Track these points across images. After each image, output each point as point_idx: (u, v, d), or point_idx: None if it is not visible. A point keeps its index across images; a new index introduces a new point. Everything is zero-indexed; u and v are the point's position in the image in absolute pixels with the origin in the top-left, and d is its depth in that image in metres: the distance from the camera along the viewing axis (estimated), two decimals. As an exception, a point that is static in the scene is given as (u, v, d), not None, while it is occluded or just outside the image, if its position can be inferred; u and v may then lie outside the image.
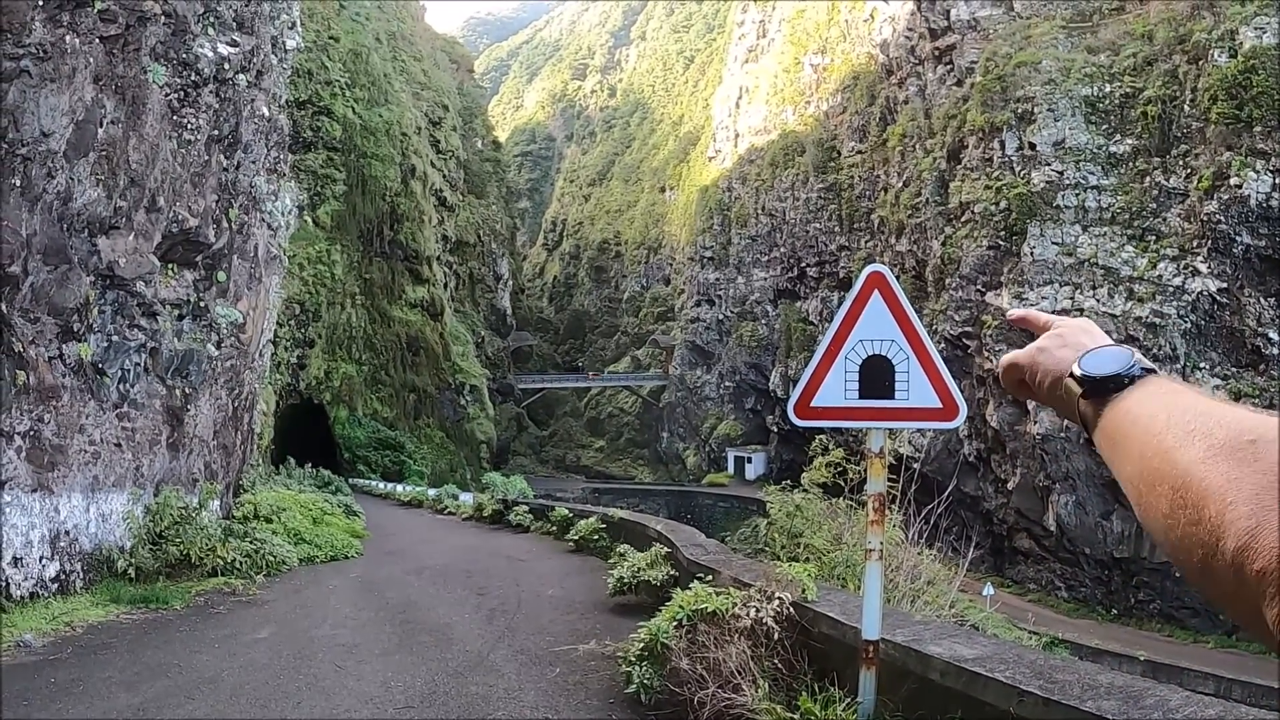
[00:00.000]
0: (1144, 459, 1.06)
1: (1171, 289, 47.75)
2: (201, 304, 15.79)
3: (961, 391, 5.28)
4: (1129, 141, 52.00)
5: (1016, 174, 56.01)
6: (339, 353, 71.68)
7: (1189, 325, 47.05)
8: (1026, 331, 1.56)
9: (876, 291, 5.25)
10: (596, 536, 17.78)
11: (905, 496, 8.47)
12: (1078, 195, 52.76)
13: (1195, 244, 47.22)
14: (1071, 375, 1.28)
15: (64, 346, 12.19)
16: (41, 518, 11.77)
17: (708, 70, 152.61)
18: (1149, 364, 1.22)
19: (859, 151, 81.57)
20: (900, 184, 71.21)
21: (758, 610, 6.25)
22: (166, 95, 13.69)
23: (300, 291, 65.72)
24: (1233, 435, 0.96)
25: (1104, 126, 53.25)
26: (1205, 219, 46.28)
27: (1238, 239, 45.17)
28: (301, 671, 8.72)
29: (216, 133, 15.31)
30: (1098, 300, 50.18)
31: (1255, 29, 46.11)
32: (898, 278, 5.47)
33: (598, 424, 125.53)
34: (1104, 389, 1.21)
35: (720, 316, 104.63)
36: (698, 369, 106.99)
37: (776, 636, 6.12)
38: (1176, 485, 0.98)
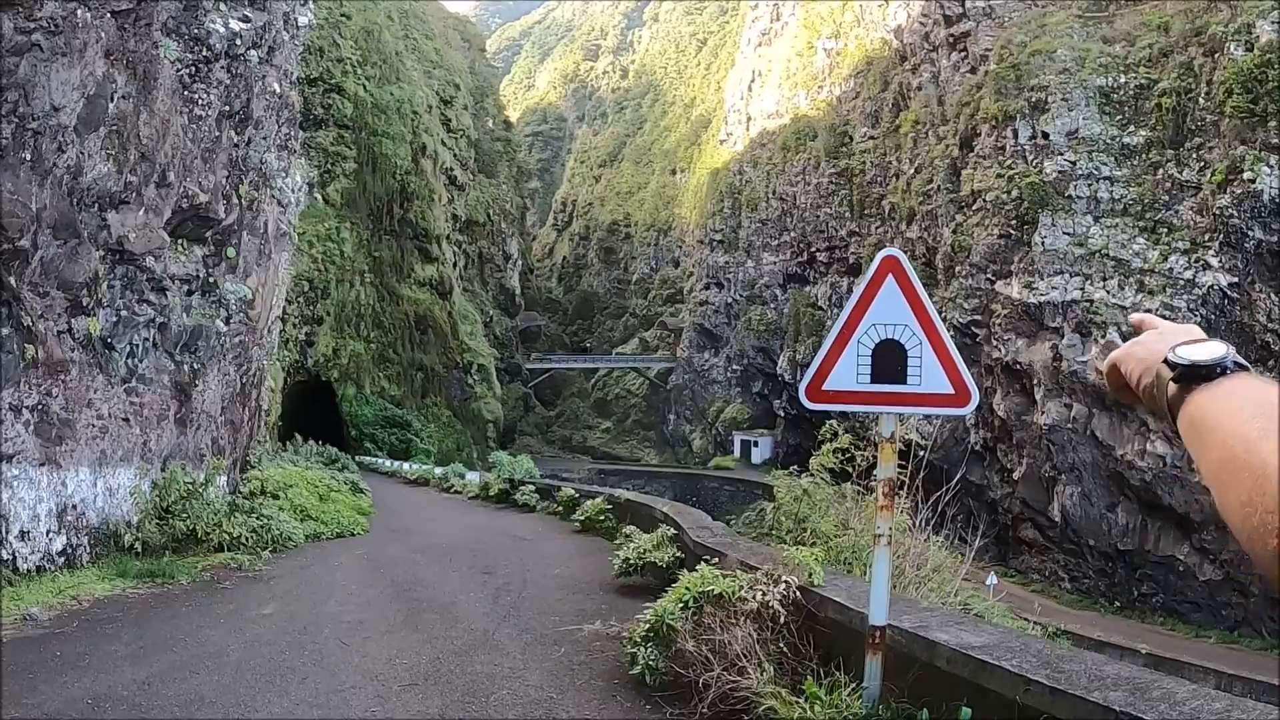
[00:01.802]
0: (1226, 446, 1.08)
1: (1182, 282, 47.56)
2: (211, 280, 15.79)
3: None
4: (1143, 133, 51.70)
5: (1029, 163, 55.75)
6: (347, 330, 71.74)
7: (1199, 319, 46.79)
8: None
9: (891, 275, 5.22)
10: (602, 517, 17.79)
11: (913, 483, 8.45)
12: (1090, 186, 52.51)
13: (1207, 238, 46.98)
14: (1165, 361, 1.31)
15: (73, 321, 12.20)
16: (49, 492, 11.80)
17: (720, 53, 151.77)
18: (1242, 360, 1.25)
19: (871, 137, 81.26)
20: (912, 171, 70.98)
21: (764, 594, 6.24)
22: (178, 70, 13.66)
23: (309, 269, 65.78)
24: None
25: (1118, 117, 52.96)
26: (1217, 213, 46.04)
27: (1250, 233, 44.93)
28: (306, 647, 8.74)
29: (227, 109, 15.29)
30: (1108, 292, 50.03)
31: (1272, 23, 45.75)
32: (909, 264, 5.43)
33: (605, 405, 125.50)
34: (1194, 376, 1.24)
35: (729, 300, 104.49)
36: (705, 352, 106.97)
37: (782, 620, 6.11)
38: (1258, 474, 1.00)
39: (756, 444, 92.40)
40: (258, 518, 16.16)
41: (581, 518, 18.68)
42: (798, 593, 6.27)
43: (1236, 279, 45.60)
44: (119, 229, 12.68)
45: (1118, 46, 54.77)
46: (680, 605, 6.79)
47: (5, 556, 10.94)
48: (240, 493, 18.20)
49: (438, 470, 44.55)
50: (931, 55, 72.63)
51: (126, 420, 13.58)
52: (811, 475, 9.20)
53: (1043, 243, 53.19)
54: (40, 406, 11.63)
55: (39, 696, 7.02)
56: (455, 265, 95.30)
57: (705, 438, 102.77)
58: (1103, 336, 48.37)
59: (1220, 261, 46.22)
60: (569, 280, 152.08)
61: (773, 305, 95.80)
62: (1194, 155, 48.98)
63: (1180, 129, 49.96)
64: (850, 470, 9.05)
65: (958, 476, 11.93)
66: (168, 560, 13.24)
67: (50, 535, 11.83)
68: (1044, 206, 53.64)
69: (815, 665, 5.80)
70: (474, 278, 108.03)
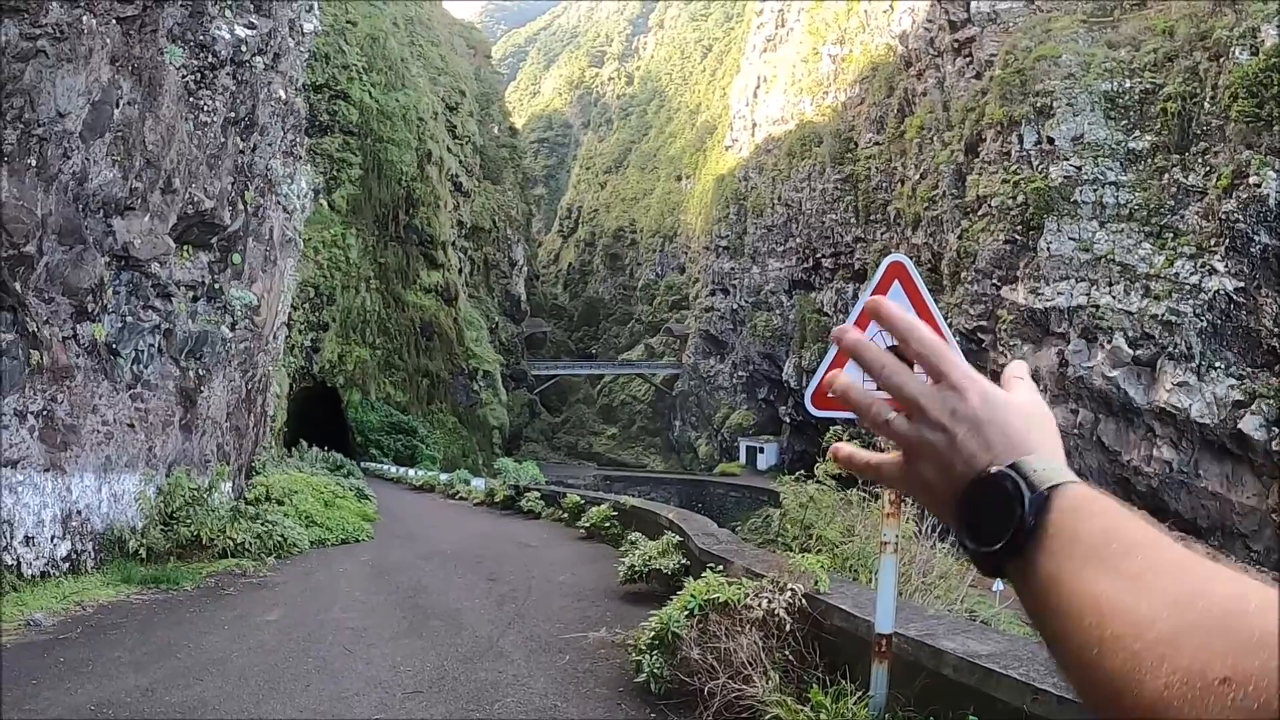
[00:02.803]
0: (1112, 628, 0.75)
1: (1188, 287, 47.41)
2: (216, 286, 15.79)
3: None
4: (1148, 138, 51.61)
5: (1034, 168, 55.65)
6: (353, 336, 71.78)
7: (1205, 324, 46.70)
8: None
9: (897, 281, 5.19)
10: (608, 524, 17.77)
11: (919, 490, 8.39)
12: (1095, 191, 52.40)
13: (1213, 242, 46.85)
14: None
15: (78, 326, 12.20)
16: (53, 497, 11.79)
17: (725, 59, 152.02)
18: (1060, 476, 0.87)
19: (876, 143, 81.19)
20: (917, 176, 70.92)
21: (769, 601, 6.21)
22: (183, 77, 13.67)
23: (315, 275, 65.83)
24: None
25: (1123, 122, 52.87)
26: (1223, 217, 45.92)
27: (1256, 238, 44.79)
28: (310, 654, 8.72)
29: (233, 115, 15.30)
30: (1113, 297, 49.91)
31: (1277, 27, 45.65)
32: (915, 270, 5.39)
33: (610, 411, 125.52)
34: (1019, 540, 0.85)
35: (734, 306, 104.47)
36: (711, 358, 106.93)
37: (788, 628, 6.08)
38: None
39: (762, 450, 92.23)
40: (262, 524, 16.14)
41: (587, 524, 18.66)
42: (803, 600, 6.24)
43: (1242, 283, 45.46)
44: (124, 235, 12.69)
45: (1122, 51, 54.71)
46: (685, 613, 6.76)
47: (10, 562, 10.94)
48: (245, 498, 18.20)
49: (443, 476, 44.57)
50: (936, 61, 72.63)
51: (131, 426, 13.58)
52: (818, 482, 9.17)
53: (1048, 248, 53.09)
54: (45, 412, 11.63)
55: (41, 702, 7.01)
56: (461, 271, 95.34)
57: (711, 444, 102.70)
58: (1109, 341, 48.38)
59: (1226, 266, 46.08)
60: (574, 286, 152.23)
61: (778, 311, 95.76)
62: (1199, 160, 48.87)
63: (1186, 133, 49.87)
64: (856, 477, 9.01)
65: (964, 483, 11.87)
66: (172, 566, 13.23)
67: (55, 541, 11.82)
68: (1049, 212, 53.54)
69: (821, 673, 5.78)
70: (479, 284, 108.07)
